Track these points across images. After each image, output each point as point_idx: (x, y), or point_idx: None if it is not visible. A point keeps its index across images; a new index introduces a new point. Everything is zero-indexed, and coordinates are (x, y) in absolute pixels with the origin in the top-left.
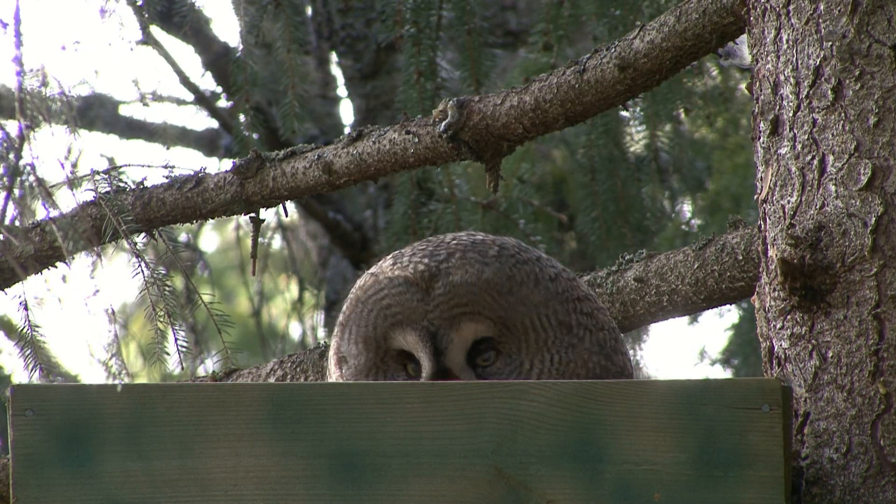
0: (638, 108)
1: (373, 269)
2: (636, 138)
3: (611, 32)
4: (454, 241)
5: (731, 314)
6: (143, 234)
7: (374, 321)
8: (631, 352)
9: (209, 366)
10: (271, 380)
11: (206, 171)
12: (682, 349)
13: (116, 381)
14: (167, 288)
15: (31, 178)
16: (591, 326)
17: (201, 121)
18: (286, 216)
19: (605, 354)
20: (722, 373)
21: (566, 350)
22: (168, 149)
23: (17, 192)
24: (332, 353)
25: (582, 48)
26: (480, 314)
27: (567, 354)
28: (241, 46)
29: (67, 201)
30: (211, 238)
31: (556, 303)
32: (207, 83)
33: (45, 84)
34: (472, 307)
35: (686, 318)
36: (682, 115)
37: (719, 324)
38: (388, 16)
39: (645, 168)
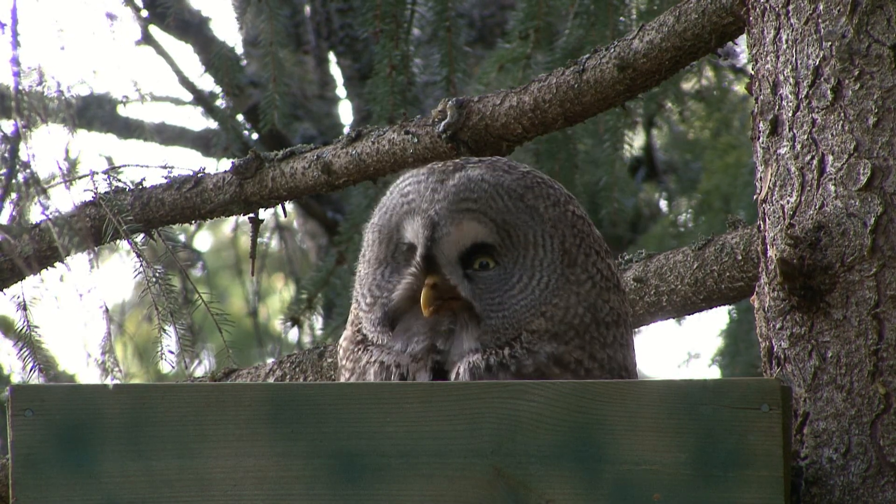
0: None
1: None
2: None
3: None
4: (494, 158)
5: (720, 315)
6: (141, 235)
7: (392, 208)
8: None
9: (206, 366)
10: (270, 380)
11: (205, 171)
12: (664, 350)
13: (109, 380)
14: (167, 287)
15: (28, 176)
16: (600, 285)
17: (199, 121)
18: (285, 216)
19: (596, 322)
20: (709, 373)
21: (557, 279)
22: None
23: (13, 192)
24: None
25: (564, 44)
26: (485, 215)
27: (556, 283)
28: (236, 43)
29: (65, 200)
30: (205, 238)
31: (569, 232)
32: (206, 83)
33: (42, 83)
34: (479, 205)
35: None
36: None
37: (704, 325)
38: (367, 10)
39: (601, 158)
